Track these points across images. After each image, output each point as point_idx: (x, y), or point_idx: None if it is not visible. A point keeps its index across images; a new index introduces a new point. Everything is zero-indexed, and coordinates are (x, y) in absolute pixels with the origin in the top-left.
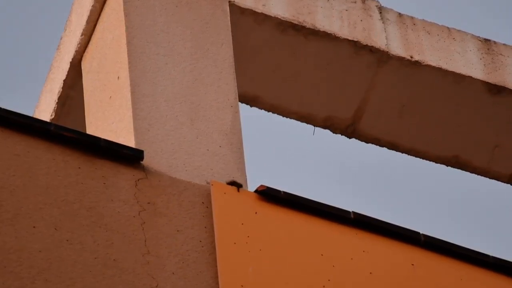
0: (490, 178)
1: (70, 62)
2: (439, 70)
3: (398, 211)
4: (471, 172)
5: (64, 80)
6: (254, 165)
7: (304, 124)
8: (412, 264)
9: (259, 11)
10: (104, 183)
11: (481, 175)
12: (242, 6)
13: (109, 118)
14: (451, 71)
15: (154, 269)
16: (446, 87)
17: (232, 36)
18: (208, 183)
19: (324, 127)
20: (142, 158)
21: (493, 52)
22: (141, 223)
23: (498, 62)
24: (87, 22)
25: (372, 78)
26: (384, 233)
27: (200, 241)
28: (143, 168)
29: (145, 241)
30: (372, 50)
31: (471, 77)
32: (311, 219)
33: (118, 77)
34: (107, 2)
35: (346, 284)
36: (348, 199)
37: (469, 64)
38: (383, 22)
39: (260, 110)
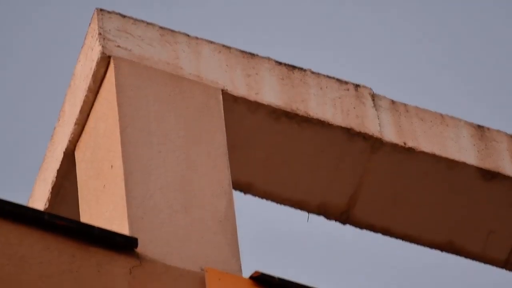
0: (485, 263)
1: (64, 152)
2: (433, 156)
3: None
4: (466, 257)
5: (57, 170)
6: (248, 251)
7: (299, 210)
8: None
9: (252, 99)
10: (99, 271)
11: (476, 260)
12: (235, 94)
13: (103, 206)
14: (444, 157)
15: None
16: (439, 173)
17: (225, 124)
18: (202, 269)
19: (319, 214)
20: (136, 245)
21: (486, 138)
22: None
23: (492, 148)
24: (80, 111)
25: (366, 165)
26: None
27: None
28: (137, 256)
29: None
30: (365, 137)
31: (464, 163)
32: None
33: (111, 166)
34: (100, 92)
35: None
36: (342, 284)
37: (463, 150)
38: (376, 109)
39: (254, 197)
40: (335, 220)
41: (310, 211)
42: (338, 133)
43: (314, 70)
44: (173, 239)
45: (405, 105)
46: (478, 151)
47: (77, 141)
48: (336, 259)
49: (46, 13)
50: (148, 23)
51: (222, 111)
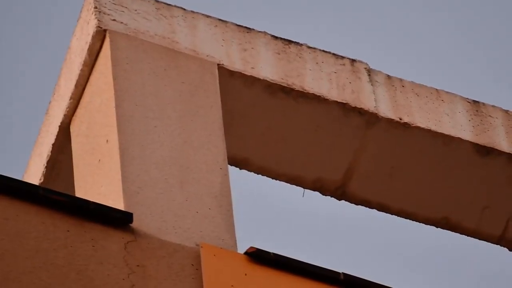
0: (479, 239)
1: (59, 126)
2: (428, 131)
3: (388, 272)
4: (461, 233)
5: (53, 144)
6: (243, 227)
7: (294, 186)
8: None
9: (248, 73)
10: (93, 246)
11: (471, 236)
12: (231, 69)
13: (98, 181)
14: (440, 133)
15: None
16: (435, 149)
17: (221, 98)
18: (197, 245)
19: (314, 189)
20: (131, 220)
21: (482, 113)
22: (130, 286)
23: (487, 123)
24: (76, 86)
25: (361, 140)
26: None
27: None
28: (132, 231)
29: None
30: (361, 112)
31: (460, 138)
32: (301, 280)
33: (107, 141)
34: (96, 66)
35: None
36: (338, 260)
37: (458, 125)
38: (371, 84)
39: (249, 172)
40: (331, 196)
41: (305, 186)
42: (334, 108)
43: (310, 44)
44: (169, 214)
45: (400, 80)
46: (473, 126)
47: (72, 115)
48: (332, 235)
49: None
50: None
51: (218, 85)
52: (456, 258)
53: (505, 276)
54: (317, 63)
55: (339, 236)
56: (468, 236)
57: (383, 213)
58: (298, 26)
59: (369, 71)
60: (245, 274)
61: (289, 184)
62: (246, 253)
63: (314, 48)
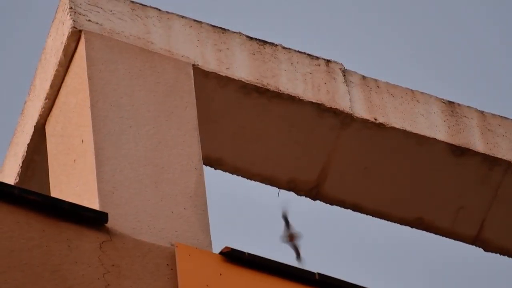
0: (454, 239)
1: (34, 126)
2: (403, 132)
3: (363, 273)
4: (435, 233)
5: (28, 144)
6: (218, 227)
7: (269, 186)
8: None
9: (223, 74)
10: (68, 246)
11: (445, 237)
12: (206, 69)
13: (73, 181)
14: (415, 133)
15: None
16: (410, 149)
17: (196, 99)
18: (172, 245)
19: (289, 189)
20: (106, 220)
21: (457, 114)
22: (105, 285)
23: (462, 124)
24: (51, 86)
25: (336, 140)
26: None
27: None
28: (107, 231)
29: None
30: (336, 112)
31: (435, 139)
32: (276, 280)
33: (82, 141)
34: (71, 67)
35: None
36: (313, 260)
37: (433, 126)
38: (346, 85)
39: (224, 172)
40: (305, 196)
41: (280, 186)
42: (309, 108)
43: (285, 45)
44: (143, 214)
45: (375, 80)
46: (448, 127)
47: (47, 115)
48: (307, 235)
49: None
50: None
51: (193, 86)
52: (432, 258)
53: (480, 276)
54: (292, 63)
55: (314, 236)
56: (443, 236)
57: (358, 213)
58: (273, 26)
59: (344, 72)
60: (220, 274)
61: (263, 184)
62: (221, 253)
63: (289, 49)
